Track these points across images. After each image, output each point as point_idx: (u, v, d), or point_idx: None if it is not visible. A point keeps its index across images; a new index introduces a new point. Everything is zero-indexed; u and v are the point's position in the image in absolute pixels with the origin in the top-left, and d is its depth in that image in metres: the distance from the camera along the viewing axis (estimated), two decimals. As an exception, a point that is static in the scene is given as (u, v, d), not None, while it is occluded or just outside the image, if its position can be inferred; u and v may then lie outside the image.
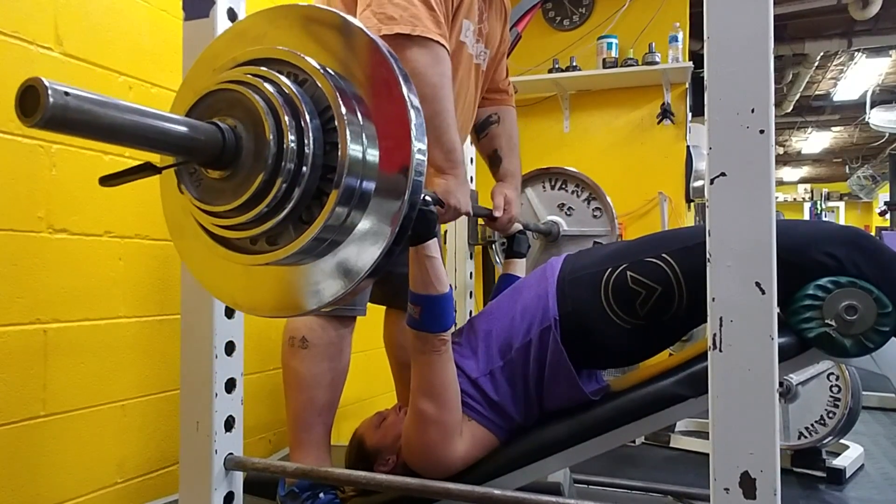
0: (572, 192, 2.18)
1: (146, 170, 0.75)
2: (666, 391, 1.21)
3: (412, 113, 0.71)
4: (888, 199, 7.03)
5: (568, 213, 2.18)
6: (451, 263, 2.09)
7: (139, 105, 0.63)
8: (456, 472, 1.24)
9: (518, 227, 1.80)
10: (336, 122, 0.70)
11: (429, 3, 1.30)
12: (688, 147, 3.62)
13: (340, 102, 0.70)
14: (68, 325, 1.49)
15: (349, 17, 0.76)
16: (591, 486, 2.00)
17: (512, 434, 1.31)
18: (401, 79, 0.72)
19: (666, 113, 3.57)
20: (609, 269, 1.28)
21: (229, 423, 1.14)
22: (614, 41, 3.62)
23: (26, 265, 1.41)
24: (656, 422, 1.22)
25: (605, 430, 1.23)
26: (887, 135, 8.10)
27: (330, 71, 0.74)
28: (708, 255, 0.78)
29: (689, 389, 1.19)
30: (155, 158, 0.79)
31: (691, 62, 3.53)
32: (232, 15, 1.09)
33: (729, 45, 0.77)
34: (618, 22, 3.63)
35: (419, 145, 0.71)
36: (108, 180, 0.74)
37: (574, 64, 3.64)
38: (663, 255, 1.26)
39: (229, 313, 1.16)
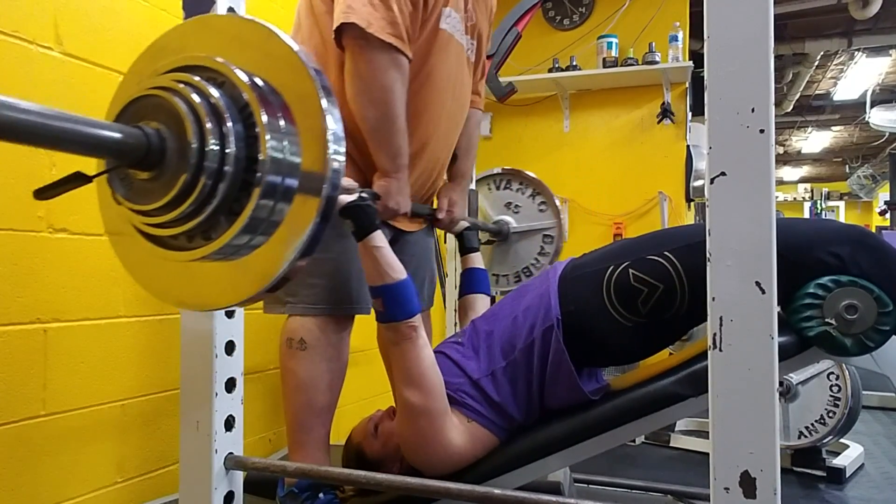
0: (517, 189, 2.24)
1: (78, 179, 0.78)
2: (666, 390, 1.21)
3: (328, 119, 0.77)
4: (888, 199, 7.03)
5: (515, 210, 2.26)
6: (451, 265, 2.09)
7: (66, 112, 0.66)
8: (457, 466, 1.24)
9: (464, 224, 1.84)
10: (256, 122, 0.76)
11: (388, 3, 1.30)
12: (688, 147, 3.62)
13: (258, 101, 0.76)
14: (68, 325, 1.49)
15: (275, 29, 0.81)
16: (591, 486, 2.00)
17: (512, 434, 1.31)
18: (319, 87, 0.78)
19: (666, 112, 3.57)
20: (611, 268, 1.28)
21: (229, 423, 1.15)
22: (614, 41, 3.61)
23: (26, 265, 1.41)
24: (656, 421, 1.22)
25: (605, 429, 1.23)
26: (887, 134, 8.10)
27: (255, 77, 0.79)
28: (708, 255, 0.78)
29: (689, 388, 1.19)
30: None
31: (691, 62, 3.53)
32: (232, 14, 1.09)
33: (729, 45, 0.77)
34: (618, 21, 3.63)
35: (335, 146, 0.78)
36: (42, 193, 0.79)
37: (574, 63, 3.64)
38: (665, 252, 1.26)
39: (229, 313, 1.16)
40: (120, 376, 1.62)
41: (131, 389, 1.66)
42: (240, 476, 1.18)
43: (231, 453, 1.14)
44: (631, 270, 1.26)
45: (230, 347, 1.15)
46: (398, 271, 1.22)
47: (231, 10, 1.09)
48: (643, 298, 1.24)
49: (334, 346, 1.43)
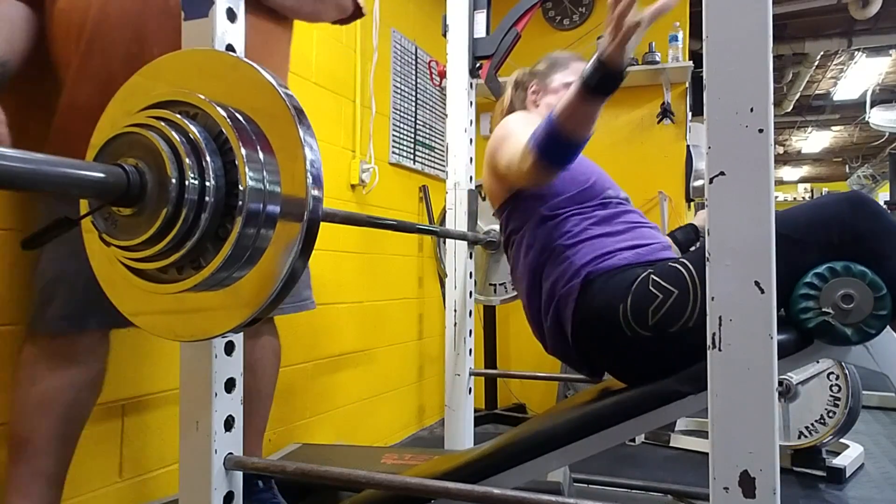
0: None
1: (63, 224, 0.80)
2: (666, 387, 1.21)
3: (306, 149, 0.80)
4: (888, 199, 7.03)
5: None
6: (451, 263, 2.09)
7: (46, 155, 0.68)
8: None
9: None
10: (233, 150, 0.78)
11: None
12: (688, 146, 3.62)
13: (232, 128, 0.78)
14: (68, 325, 1.49)
15: (241, 57, 0.84)
16: (591, 486, 2.00)
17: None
18: (295, 117, 0.80)
19: (666, 112, 3.57)
20: (645, 271, 1.28)
21: (229, 423, 1.14)
22: (614, 41, 3.61)
23: (26, 265, 1.41)
24: (656, 419, 1.22)
25: (604, 426, 1.23)
26: (887, 134, 8.10)
27: (228, 107, 0.81)
28: (707, 254, 0.78)
29: (688, 386, 1.18)
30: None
31: (691, 61, 3.53)
32: (231, 15, 1.09)
33: (728, 45, 0.77)
34: (617, 21, 3.62)
35: (313, 173, 0.80)
36: (30, 242, 0.81)
37: (574, 63, 3.64)
38: (681, 258, 1.27)
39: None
40: (120, 376, 1.62)
41: (131, 389, 1.66)
42: (240, 476, 1.18)
43: (231, 453, 1.14)
44: (652, 276, 1.26)
45: (230, 347, 1.15)
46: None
47: (230, 10, 1.09)
48: (655, 307, 1.22)
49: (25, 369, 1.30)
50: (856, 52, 6.11)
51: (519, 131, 1.44)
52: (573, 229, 1.39)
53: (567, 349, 1.36)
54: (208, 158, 0.77)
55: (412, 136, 3.25)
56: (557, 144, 1.32)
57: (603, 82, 1.26)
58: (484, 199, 2.28)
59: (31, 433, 1.27)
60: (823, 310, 1.13)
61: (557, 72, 1.72)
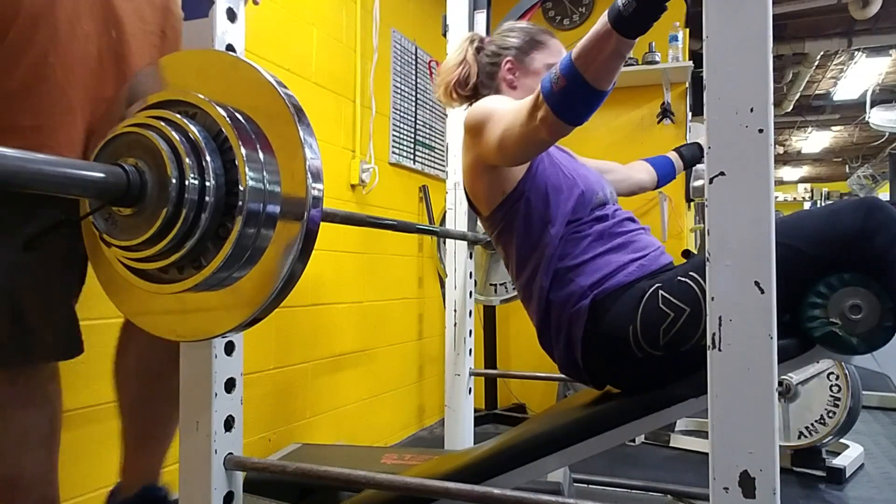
0: None
1: (64, 224, 0.82)
2: (666, 391, 1.21)
3: (306, 148, 0.80)
4: (888, 199, 7.03)
5: None
6: (451, 263, 2.09)
7: (46, 155, 0.68)
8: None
9: None
10: (233, 150, 0.78)
11: None
12: (688, 146, 3.62)
13: (233, 128, 0.78)
14: (68, 325, 1.49)
15: (240, 56, 0.85)
16: (591, 486, 2.00)
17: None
18: (294, 116, 0.81)
19: (666, 112, 3.57)
20: (654, 285, 1.24)
21: (229, 423, 1.14)
22: (614, 41, 3.61)
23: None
24: (656, 420, 1.22)
25: (604, 428, 1.23)
26: (887, 134, 8.09)
27: (227, 106, 0.81)
28: (707, 255, 0.78)
29: (688, 389, 1.18)
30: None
31: (691, 61, 3.53)
32: (231, 15, 1.09)
33: (728, 45, 0.77)
34: (618, 21, 3.62)
35: (313, 172, 0.81)
36: (32, 243, 0.80)
37: (574, 63, 3.63)
38: (689, 272, 1.21)
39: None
40: (120, 376, 1.62)
41: (131, 389, 1.65)
42: (240, 476, 1.18)
43: (231, 453, 1.14)
44: (661, 293, 1.21)
45: (230, 347, 1.15)
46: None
47: (230, 10, 1.09)
48: (666, 326, 1.18)
49: None
50: (856, 52, 6.11)
51: (504, 107, 1.27)
52: (573, 251, 1.33)
53: (578, 370, 1.33)
54: (208, 158, 0.77)
55: (412, 136, 3.25)
56: (579, 92, 1.10)
57: (641, 12, 0.97)
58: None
59: (19, 472, 1.22)
60: (831, 319, 1.12)
61: (537, 50, 1.51)
